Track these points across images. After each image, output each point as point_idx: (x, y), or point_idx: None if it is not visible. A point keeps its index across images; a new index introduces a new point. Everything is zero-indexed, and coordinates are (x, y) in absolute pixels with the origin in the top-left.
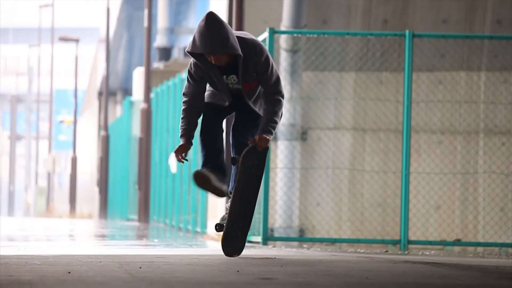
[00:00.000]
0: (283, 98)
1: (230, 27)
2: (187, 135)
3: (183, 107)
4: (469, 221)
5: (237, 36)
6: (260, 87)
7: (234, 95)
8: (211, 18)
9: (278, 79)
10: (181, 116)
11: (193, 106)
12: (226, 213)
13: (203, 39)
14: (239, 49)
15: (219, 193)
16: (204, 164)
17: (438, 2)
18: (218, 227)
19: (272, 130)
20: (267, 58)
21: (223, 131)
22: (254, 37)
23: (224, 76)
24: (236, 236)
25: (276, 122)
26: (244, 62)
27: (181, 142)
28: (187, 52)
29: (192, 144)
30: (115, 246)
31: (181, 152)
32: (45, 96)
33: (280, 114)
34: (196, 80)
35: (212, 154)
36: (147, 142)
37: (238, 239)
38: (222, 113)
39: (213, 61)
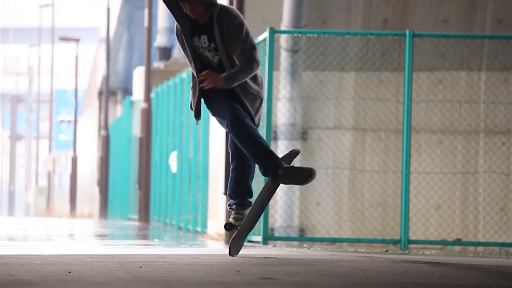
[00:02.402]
0: (257, 65)
1: None
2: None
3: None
4: (470, 221)
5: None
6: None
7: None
8: None
9: (253, 47)
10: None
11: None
12: (236, 214)
13: None
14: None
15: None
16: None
17: (439, 2)
18: (228, 226)
19: (230, 78)
20: (241, 23)
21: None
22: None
23: (196, 38)
24: (242, 237)
25: (237, 76)
26: (219, 23)
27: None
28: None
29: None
30: (115, 246)
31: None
32: (45, 96)
33: (246, 77)
34: (178, 38)
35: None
36: (147, 142)
37: (242, 239)
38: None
39: (188, 11)
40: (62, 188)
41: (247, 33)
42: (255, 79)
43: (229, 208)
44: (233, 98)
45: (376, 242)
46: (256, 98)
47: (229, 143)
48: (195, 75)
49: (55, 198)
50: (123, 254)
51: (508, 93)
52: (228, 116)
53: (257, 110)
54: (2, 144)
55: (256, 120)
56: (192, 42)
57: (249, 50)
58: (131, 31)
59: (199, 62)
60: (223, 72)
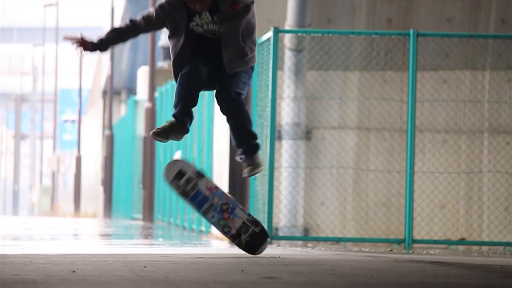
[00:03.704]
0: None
1: None
2: (100, 46)
3: (124, 24)
4: (474, 220)
5: None
6: (247, 16)
7: (211, 41)
8: None
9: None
10: (115, 27)
11: (138, 28)
12: (248, 164)
13: None
14: None
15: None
16: (177, 118)
17: (443, 2)
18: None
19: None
20: None
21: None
22: None
23: (197, 16)
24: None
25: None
26: None
27: (92, 40)
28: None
29: (97, 49)
30: (120, 245)
31: (86, 46)
32: (49, 95)
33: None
34: (161, 18)
35: (188, 112)
36: (151, 141)
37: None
38: (205, 76)
39: (197, 7)
40: (67, 187)
41: None
42: (253, 42)
43: (241, 161)
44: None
45: (380, 241)
46: (246, 67)
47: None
48: (185, 45)
49: (59, 197)
50: (128, 253)
51: None
52: (189, 69)
53: (243, 78)
54: (6, 143)
55: (240, 86)
56: (188, 26)
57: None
58: None
59: (191, 43)
60: (229, 47)
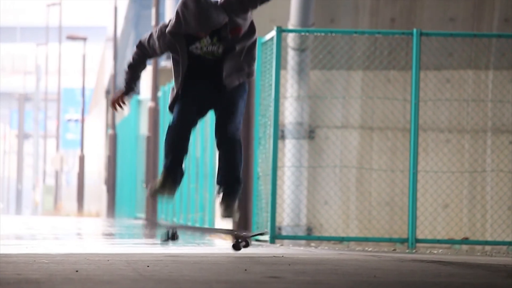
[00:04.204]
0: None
1: None
2: (132, 87)
3: (136, 55)
4: (477, 220)
5: None
6: (248, 41)
7: (210, 61)
8: None
9: None
10: (130, 63)
11: (146, 57)
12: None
13: (202, 19)
14: (225, 14)
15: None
16: (168, 170)
17: (446, 1)
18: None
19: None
20: None
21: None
22: None
23: (197, 41)
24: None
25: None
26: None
27: (121, 90)
28: (173, 32)
29: (129, 92)
30: (123, 244)
31: (122, 99)
32: (52, 94)
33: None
34: (165, 44)
35: (178, 161)
36: (154, 141)
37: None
38: (196, 113)
39: (202, 35)
40: (70, 187)
41: None
42: (251, 58)
43: (218, 195)
44: (212, 96)
45: (383, 241)
46: (243, 83)
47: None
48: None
49: (62, 196)
50: (131, 253)
51: None
52: (176, 119)
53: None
54: (9, 142)
55: (238, 110)
56: (188, 49)
57: None
58: (139, 30)
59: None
60: (227, 63)
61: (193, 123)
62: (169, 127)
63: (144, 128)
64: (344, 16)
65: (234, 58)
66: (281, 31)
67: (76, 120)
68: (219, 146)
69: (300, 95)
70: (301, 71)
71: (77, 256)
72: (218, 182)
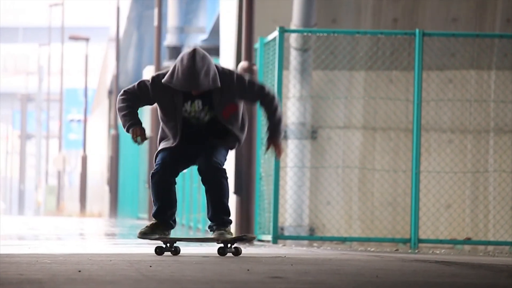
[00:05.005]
0: (273, 95)
1: (210, 58)
2: (138, 121)
3: (123, 104)
4: (480, 220)
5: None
6: (241, 113)
7: (192, 125)
8: (197, 55)
9: (261, 86)
10: (124, 112)
11: (134, 108)
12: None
13: (188, 77)
14: (219, 80)
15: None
16: (157, 217)
17: (448, 1)
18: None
19: (277, 130)
20: (239, 76)
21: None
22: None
23: (189, 102)
24: None
25: (277, 124)
26: (221, 89)
27: (135, 127)
28: (167, 83)
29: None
30: (125, 244)
31: (141, 133)
32: (55, 95)
33: (279, 113)
34: (148, 97)
35: (166, 209)
36: (157, 141)
37: None
38: (179, 163)
39: (193, 93)
40: (72, 187)
41: (249, 80)
42: (242, 124)
43: (209, 230)
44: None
45: (386, 241)
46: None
47: None
48: (177, 130)
49: (65, 197)
50: (133, 253)
51: None
52: (159, 164)
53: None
54: (12, 143)
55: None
56: (182, 108)
57: (260, 91)
58: (141, 30)
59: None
60: (211, 128)
61: (176, 173)
62: (152, 174)
63: (146, 128)
64: (346, 17)
65: (222, 126)
66: (283, 31)
67: (79, 121)
68: (203, 180)
69: (302, 96)
70: (303, 71)
71: (80, 257)
72: (208, 218)
